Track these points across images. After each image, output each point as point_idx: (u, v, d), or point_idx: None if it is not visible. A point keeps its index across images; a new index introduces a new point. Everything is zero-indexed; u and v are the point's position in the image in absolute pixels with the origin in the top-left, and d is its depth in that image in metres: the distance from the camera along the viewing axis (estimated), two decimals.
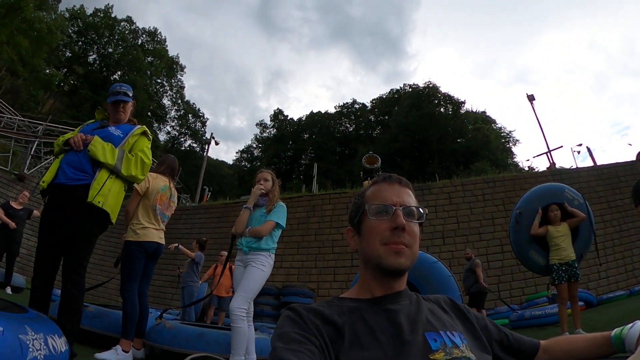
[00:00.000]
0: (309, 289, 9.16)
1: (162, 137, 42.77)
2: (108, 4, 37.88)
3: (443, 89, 43.64)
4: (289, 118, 52.55)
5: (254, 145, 52.89)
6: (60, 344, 1.74)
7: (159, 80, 42.00)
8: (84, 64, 35.85)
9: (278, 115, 52.47)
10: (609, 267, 8.60)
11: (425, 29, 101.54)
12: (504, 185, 10.14)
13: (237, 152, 64.21)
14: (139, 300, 2.99)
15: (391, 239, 0.80)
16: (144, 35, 40.36)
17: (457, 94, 50.99)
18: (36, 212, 6.61)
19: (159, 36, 41.22)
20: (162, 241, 3.24)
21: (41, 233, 2.36)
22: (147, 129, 2.73)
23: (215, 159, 50.17)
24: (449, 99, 43.39)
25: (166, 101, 43.73)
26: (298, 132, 50.58)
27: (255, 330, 3.25)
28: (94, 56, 37.86)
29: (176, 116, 45.26)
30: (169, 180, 3.38)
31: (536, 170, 21.15)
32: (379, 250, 0.80)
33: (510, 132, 41.36)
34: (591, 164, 14.00)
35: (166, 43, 41.74)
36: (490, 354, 0.82)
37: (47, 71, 27.46)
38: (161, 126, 43.29)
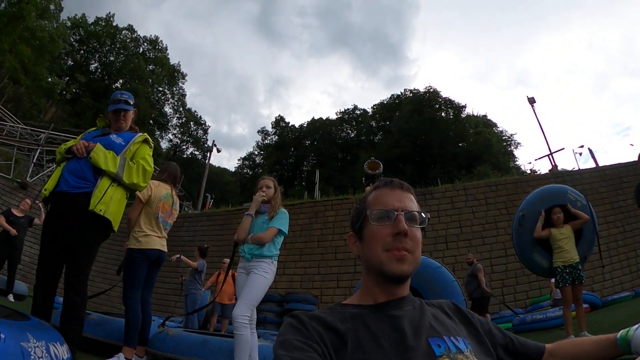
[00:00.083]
0: (312, 296, 9.12)
1: (164, 144, 42.87)
2: (109, 13, 38.28)
3: (444, 94, 43.74)
4: (290, 125, 52.69)
5: (256, 153, 53.08)
6: (62, 351, 1.74)
7: (160, 88, 42.15)
8: (85, 73, 36.01)
9: (279, 122, 52.63)
10: (614, 268, 8.57)
11: (424, 34, 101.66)
12: (506, 189, 10.13)
13: (239, 160, 64.30)
14: (141, 307, 2.98)
15: (393, 244, 0.79)
16: (146, 44, 40.59)
17: (457, 98, 50.92)
18: (37, 221, 6.63)
19: (160, 44, 41.46)
20: (165, 249, 3.24)
21: (43, 241, 2.36)
22: (148, 137, 2.74)
23: (217, 166, 50.24)
24: (449, 103, 43.45)
25: (168, 109, 43.90)
26: (300, 139, 50.68)
27: (258, 337, 3.23)
28: (96, 64, 38.12)
29: (178, 124, 45.44)
30: (171, 188, 3.39)
31: (538, 172, 21.14)
32: (381, 257, 0.80)
33: (511, 135, 41.49)
34: (593, 165, 13.96)
35: (167, 51, 41.96)
36: (495, 358, 0.82)
37: (49, 79, 27.60)
38: (163, 134, 43.43)
